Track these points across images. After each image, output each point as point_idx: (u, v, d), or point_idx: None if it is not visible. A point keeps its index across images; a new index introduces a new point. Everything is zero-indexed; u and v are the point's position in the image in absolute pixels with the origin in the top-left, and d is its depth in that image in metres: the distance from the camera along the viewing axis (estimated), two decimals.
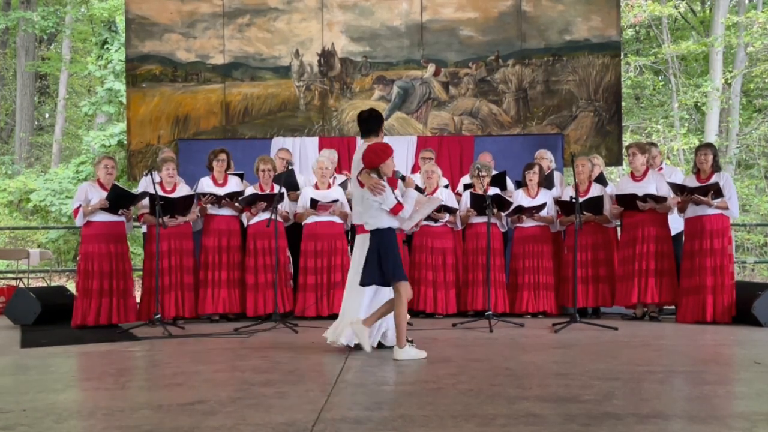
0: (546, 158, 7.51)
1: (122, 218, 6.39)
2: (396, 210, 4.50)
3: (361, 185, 4.60)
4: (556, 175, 7.75)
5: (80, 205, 6.32)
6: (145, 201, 6.48)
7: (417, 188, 4.68)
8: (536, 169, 7.06)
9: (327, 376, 3.77)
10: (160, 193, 6.24)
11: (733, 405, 3.19)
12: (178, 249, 6.59)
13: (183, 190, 6.71)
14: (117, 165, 6.75)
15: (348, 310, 4.83)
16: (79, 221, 6.37)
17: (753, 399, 3.24)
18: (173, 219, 6.49)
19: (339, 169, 8.08)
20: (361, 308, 4.73)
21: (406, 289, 4.47)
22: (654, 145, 7.67)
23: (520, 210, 6.91)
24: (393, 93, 9.09)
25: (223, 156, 6.87)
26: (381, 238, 4.50)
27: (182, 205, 6.50)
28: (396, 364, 4.23)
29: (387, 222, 4.53)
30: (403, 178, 4.61)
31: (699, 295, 6.36)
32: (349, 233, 7.27)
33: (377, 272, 4.47)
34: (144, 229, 6.94)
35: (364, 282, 4.58)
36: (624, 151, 8.98)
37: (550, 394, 3.34)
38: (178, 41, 9.16)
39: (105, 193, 6.27)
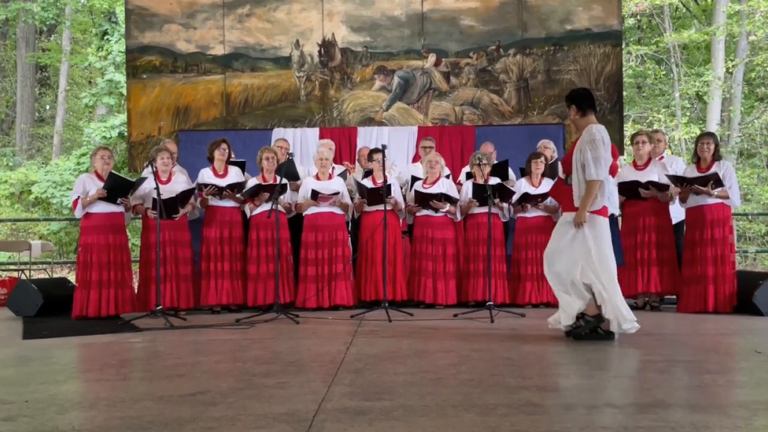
0: (549, 148, 7.50)
1: (121, 208, 6.40)
2: None
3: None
4: (559, 165, 7.72)
5: (79, 197, 6.32)
6: (144, 191, 6.48)
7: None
8: (543, 158, 7.04)
9: (328, 367, 3.78)
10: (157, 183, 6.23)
11: (733, 394, 3.19)
12: (173, 240, 6.58)
13: (180, 179, 6.71)
14: (113, 155, 6.74)
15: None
16: (78, 213, 6.37)
17: (753, 388, 3.24)
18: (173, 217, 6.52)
19: (339, 160, 8.07)
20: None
21: None
22: (658, 132, 7.66)
23: (527, 198, 6.89)
24: (393, 83, 9.06)
25: (224, 146, 6.87)
26: None
27: (180, 202, 6.50)
28: (395, 355, 4.23)
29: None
30: None
31: (700, 285, 6.36)
32: (350, 224, 7.26)
33: None
34: None
35: None
36: (627, 140, 8.94)
37: (550, 383, 3.34)
38: (178, 32, 9.14)
39: (102, 184, 6.27)
